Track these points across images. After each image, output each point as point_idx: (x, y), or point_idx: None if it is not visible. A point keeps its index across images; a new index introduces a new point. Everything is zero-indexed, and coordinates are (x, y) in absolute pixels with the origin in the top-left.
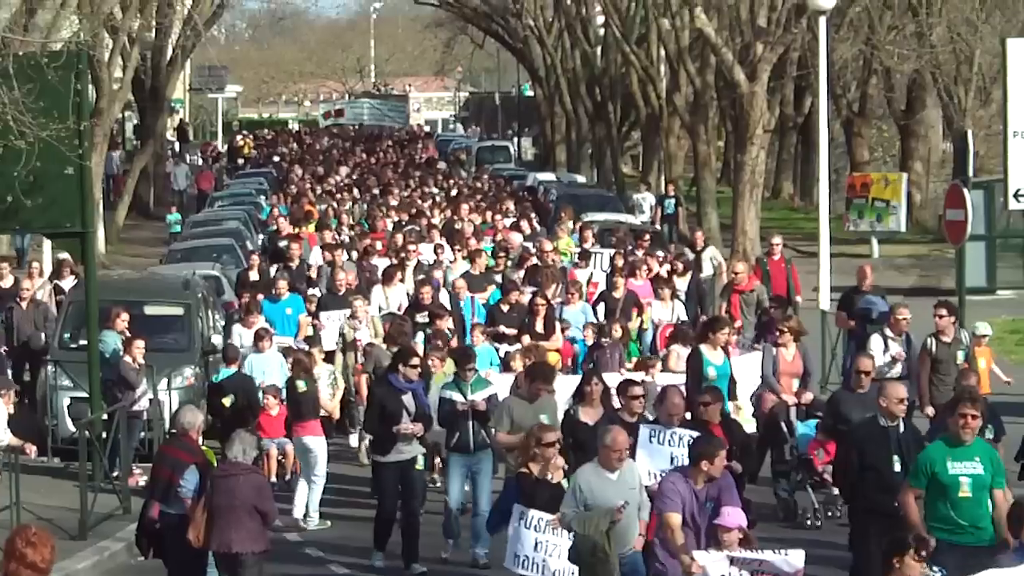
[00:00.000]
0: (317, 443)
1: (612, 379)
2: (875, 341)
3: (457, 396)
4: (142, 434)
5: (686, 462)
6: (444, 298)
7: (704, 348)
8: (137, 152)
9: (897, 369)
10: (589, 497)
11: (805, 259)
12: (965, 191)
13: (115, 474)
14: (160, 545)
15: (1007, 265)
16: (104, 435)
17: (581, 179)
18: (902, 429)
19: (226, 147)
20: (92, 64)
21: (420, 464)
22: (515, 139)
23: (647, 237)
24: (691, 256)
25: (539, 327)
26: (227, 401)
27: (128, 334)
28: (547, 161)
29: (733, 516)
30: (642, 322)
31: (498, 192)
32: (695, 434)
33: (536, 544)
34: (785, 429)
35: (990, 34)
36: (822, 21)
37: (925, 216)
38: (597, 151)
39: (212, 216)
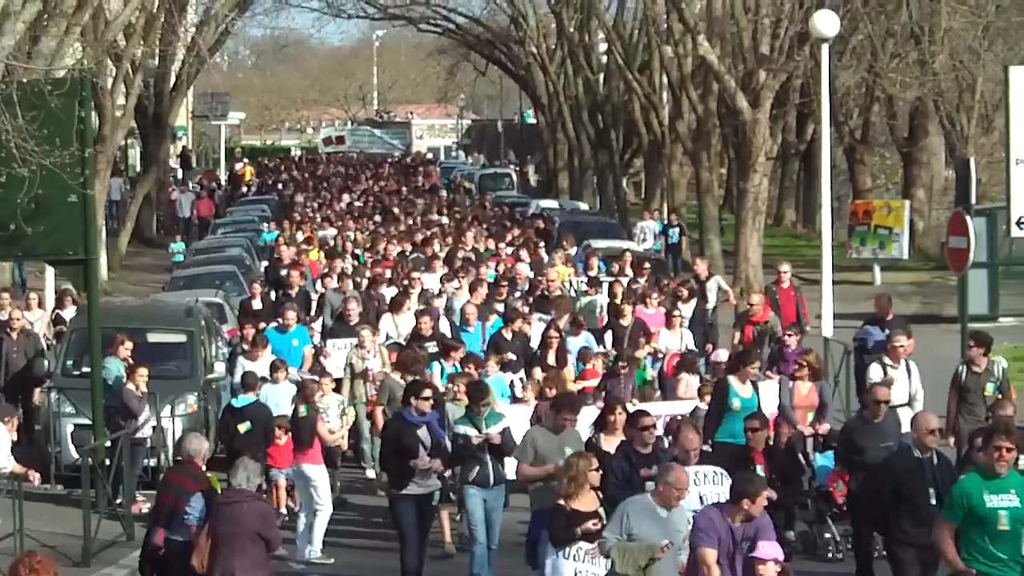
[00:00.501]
0: (317, 471)
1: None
2: (874, 370)
3: (471, 430)
4: (145, 461)
5: (714, 499)
6: (444, 326)
7: (733, 379)
8: (140, 179)
9: (899, 397)
10: (636, 529)
11: (807, 286)
12: (968, 219)
13: (118, 501)
14: (164, 572)
15: (1009, 292)
16: (107, 462)
17: (584, 206)
18: (936, 460)
19: (227, 174)
20: (95, 91)
21: (437, 499)
22: (517, 167)
23: (646, 265)
24: (695, 285)
25: (551, 359)
26: (243, 428)
27: (131, 361)
28: (550, 188)
29: (769, 548)
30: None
31: (502, 219)
32: (717, 469)
33: (576, 574)
34: (803, 460)
35: (992, 62)
36: (825, 49)
37: (927, 243)
38: (600, 178)
39: (215, 243)
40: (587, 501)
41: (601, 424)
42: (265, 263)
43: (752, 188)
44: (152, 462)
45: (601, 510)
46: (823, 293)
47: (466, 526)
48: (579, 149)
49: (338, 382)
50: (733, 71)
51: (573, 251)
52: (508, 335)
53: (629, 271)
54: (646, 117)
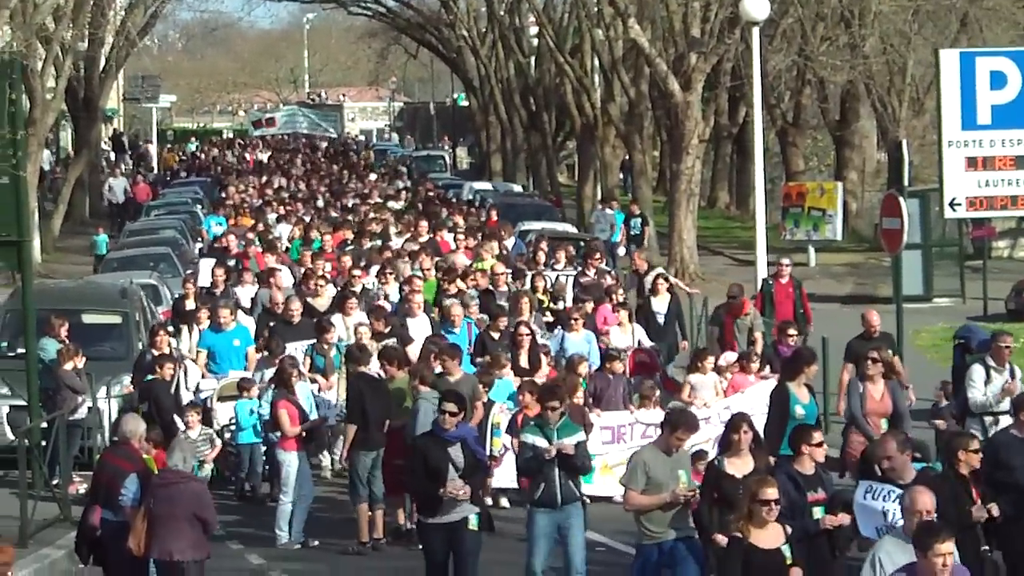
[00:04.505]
0: (288, 458)
1: (619, 417)
2: (976, 372)
3: (540, 441)
4: (81, 442)
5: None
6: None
7: (792, 386)
8: (72, 162)
9: (1005, 403)
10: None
11: (741, 268)
12: (901, 200)
13: (55, 482)
14: (101, 553)
15: (943, 273)
16: (43, 443)
17: (518, 188)
18: None
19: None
20: (25, 74)
21: (474, 524)
22: (452, 149)
23: (596, 254)
24: (634, 279)
25: (523, 360)
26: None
27: (67, 342)
28: (483, 170)
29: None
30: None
31: (446, 207)
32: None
33: None
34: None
35: (923, 45)
36: (755, 32)
37: (861, 225)
38: (532, 160)
39: (148, 225)
40: (770, 535)
41: (725, 444)
42: (200, 248)
43: (685, 170)
44: (88, 443)
45: (786, 548)
46: (758, 275)
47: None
48: (512, 131)
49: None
50: (664, 54)
51: (511, 242)
52: (495, 335)
53: (591, 264)
54: (578, 100)
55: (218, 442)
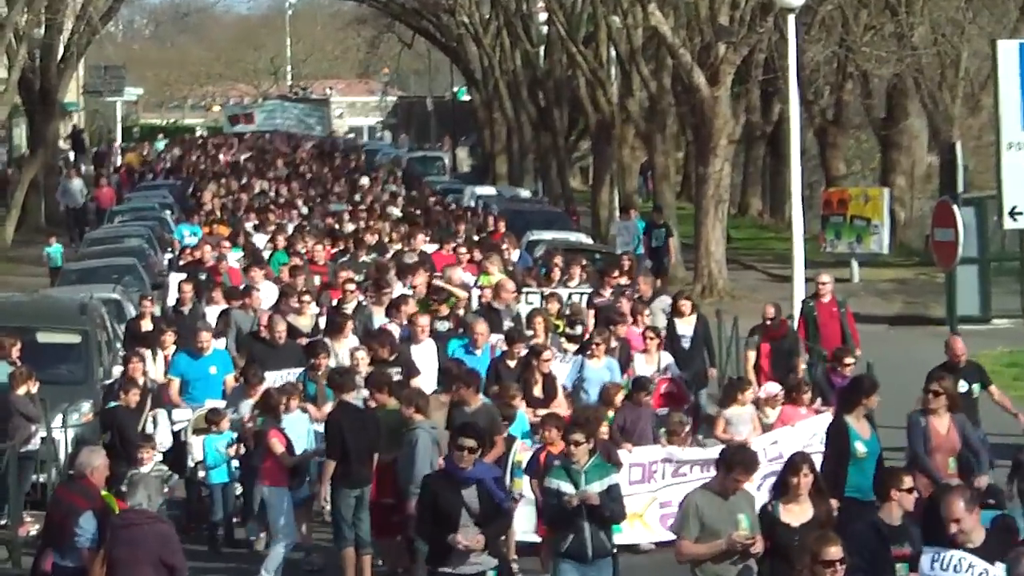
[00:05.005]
0: (272, 494)
1: (650, 453)
2: None
3: (567, 487)
4: (34, 477)
5: None
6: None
7: (850, 420)
8: (26, 162)
9: None
10: None
11: (776, 284)
12: (955, 208)
13: (3, 522)
14: None
15: (1003, 291)
16: None
17: (525, 193)
18: None
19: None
20: None
21: None
22: (451, 149)
23: (615, 271)
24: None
25: (537, 391)
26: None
27: (19, 364)
28: (486, 173)
29: None
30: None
31: (448, 215)
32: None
33: None
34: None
35: (978, 35)
36: (791, 19)
37: (910, 236)
38: (542, 163)
39: (112, 233)
40: None
41: (781, 488)
42: (169, 259)
43: (713, 174)
44: (42, 477)
45: None
46: (794, 292)
47: None
48: (518, 130)
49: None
50: (689, 44)
51: (516, 254)
52: (511, 363)
53: (608, 283)
54: (592, 95)
55: (174, 482)
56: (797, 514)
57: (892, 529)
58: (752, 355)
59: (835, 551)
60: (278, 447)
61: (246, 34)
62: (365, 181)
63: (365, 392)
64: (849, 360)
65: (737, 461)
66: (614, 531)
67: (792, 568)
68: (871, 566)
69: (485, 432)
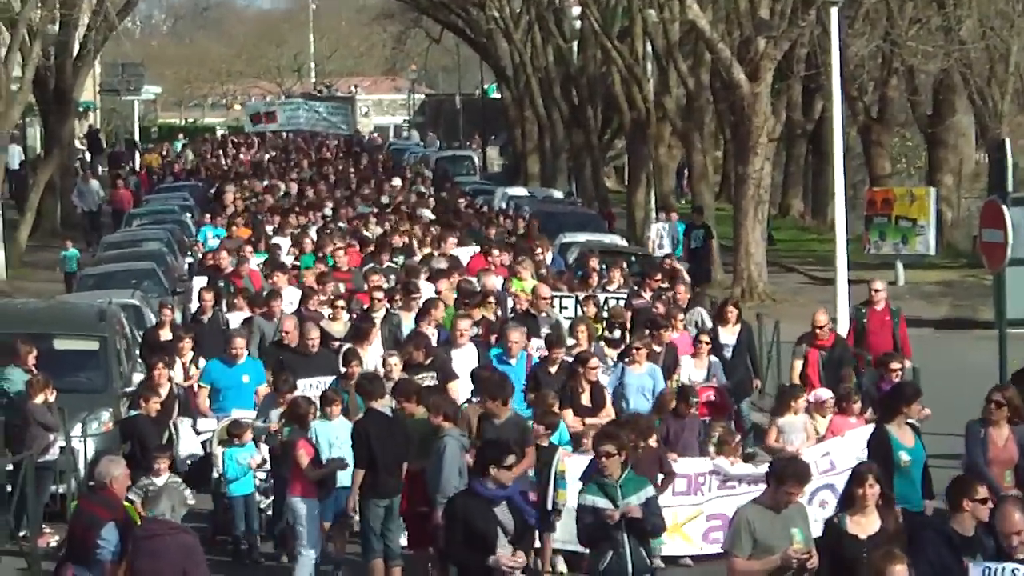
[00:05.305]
0: (300, 505)
1: (698, 464)
2: None
3: (602, 502)
4: (53, 487)
5: None
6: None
7: (891, 428)
8: (41, 163)
9: None
10: None
11: (818, 287)
12: (1004, 208)
13: (22, 534)
14: None
15: None
16: (9, 489)
17: (558, 194)
18: None
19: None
20: None
21: None
22: (481, 148)
23: (658, 274)
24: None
25: (585, 400)
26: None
27: (36, 372)
28: (517, 173)
29: None
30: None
31: (479, 217)
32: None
33: None
34: None
35: None
36: (834, 12)
37: (957, 237)
38: (575, 162)
39: (130, 236)
40: None
41: (847, 500)
42: (189, 263)
43: (753, 173)
44: (61, 488)
45: None
46: (838, 296)
47: None
48: (551, 128)
49: None
50: (728, 38)
51: (549, 257)
52: (552, 368)
53: (649, 285)
54: (628, 91)
55: (189, 495)
56: (864, 526)
57: (965, 540)
58: (799, 364)
59: (900, 570)
60: (304, 459)
61: (268, 30)
62: (397, 182)
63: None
64: (895, 365)
65: (789, 473)
66: (655, 544)
67: None
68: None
69: (516, 445)
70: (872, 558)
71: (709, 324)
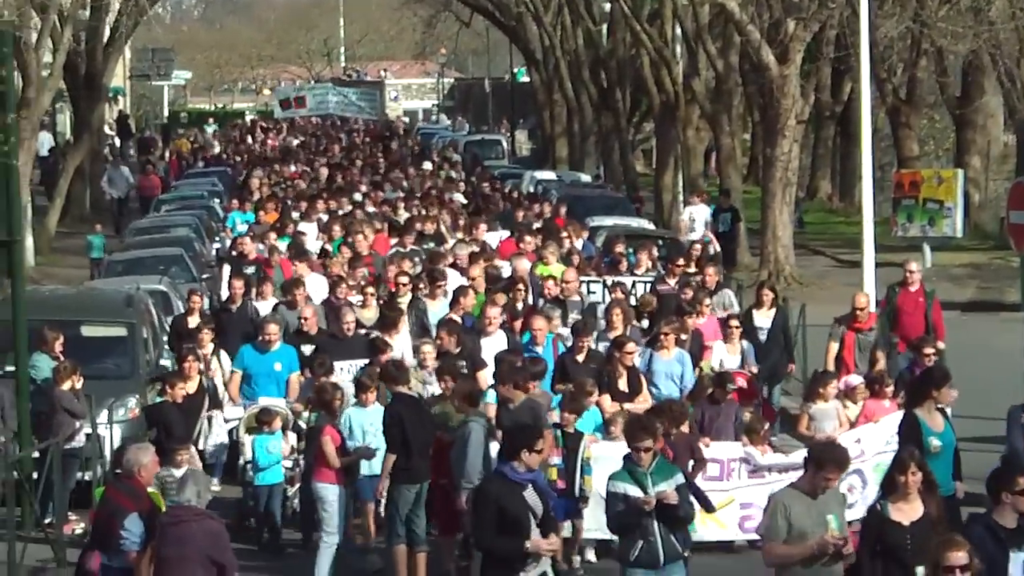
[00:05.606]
0: (325, 491)
1: (730, 450)
2: None
3: (633, 489)
4: (79, 475)
5: None
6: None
7: (921, 413)
8: (71, 149)
9: None
10: None
11: (846, 269)
12: None
13: (48, 521)
14: None
15: None
16: (35, 476)
17: (586, 178)
18: None
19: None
20: (18, 47)
21: None
22: (510, 132)
23: (681, 259)
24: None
25: (622, 385)
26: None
27: (63, 359)
28: (545, 157)
29: None
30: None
31: (508, 201)
32: None
33: None
34: None
35: None
36: None
37: (984, 219)
38: (604, 145)
39: (158, 222)
40: None
41: (889, 486)
42: (217, 247)
43: (781, 156)
44: (87, 475)
45: None
46: (864, 278)
47: None
48: (579, 112)
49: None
50: (757, 20)
51: (580, 242)
52: (580, 357)
53: (674, 271)
54: (657, 74)
55: (214, 481)
56: (907, 512)
57: (1008, 531)
58: (835, 346)
59: (960, 556)
60: (329, 446)
61: (298, 15)
62: (428, 166)
63: (432, 387)
64: (929, 350)
65: (828, 458)
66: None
67: (904, 568)
68: (988, 570)
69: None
70: (929, 546)
71: (737, 307)
